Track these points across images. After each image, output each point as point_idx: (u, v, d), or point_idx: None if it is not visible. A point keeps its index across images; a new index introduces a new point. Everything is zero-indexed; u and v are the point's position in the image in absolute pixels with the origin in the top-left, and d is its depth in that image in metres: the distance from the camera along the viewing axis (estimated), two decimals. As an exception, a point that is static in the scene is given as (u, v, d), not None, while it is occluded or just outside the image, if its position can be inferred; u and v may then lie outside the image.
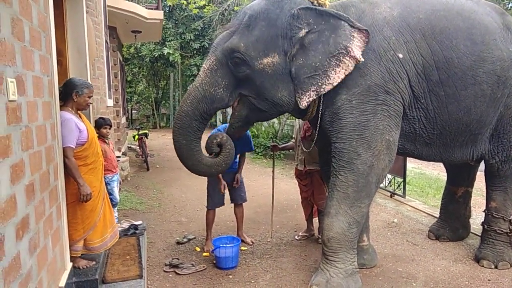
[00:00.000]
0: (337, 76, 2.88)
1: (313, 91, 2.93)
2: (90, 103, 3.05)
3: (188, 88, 3.11)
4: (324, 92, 2.94)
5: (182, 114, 3.06)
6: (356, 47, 2.86)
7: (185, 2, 11.76)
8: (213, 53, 3.05)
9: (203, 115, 3.06)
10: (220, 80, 3.00)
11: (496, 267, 3.63)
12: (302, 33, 2.89)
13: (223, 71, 3.00)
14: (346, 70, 2.88)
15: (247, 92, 3.04)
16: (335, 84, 2.90)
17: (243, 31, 2.94)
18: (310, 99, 2.95)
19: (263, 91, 2.98)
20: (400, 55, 3.02)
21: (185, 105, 3.05)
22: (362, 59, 2.85)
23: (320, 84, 2.91)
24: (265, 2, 2.98)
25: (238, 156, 4.12)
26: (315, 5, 3.01)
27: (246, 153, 4.31)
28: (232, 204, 4.33)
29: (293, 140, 4.58)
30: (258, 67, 2.91)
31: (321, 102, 3.09)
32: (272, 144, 4.65)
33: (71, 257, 2.81)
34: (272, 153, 4.81)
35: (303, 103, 2.96)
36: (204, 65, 3.08)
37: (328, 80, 2.89)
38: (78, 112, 2.96)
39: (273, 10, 2.92)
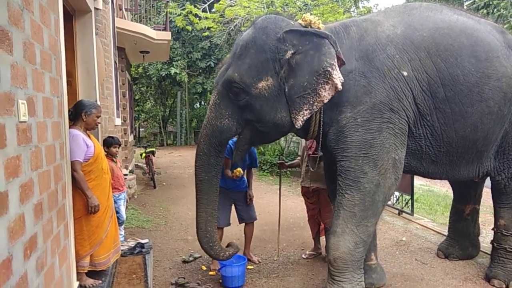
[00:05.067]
0: (327, 93, 2.90)
1: (306, 109, 2.96)
2: (99, 123, 3.14)
3: (196, 110, 3.29)
4: (316, 110, 2.97)
5: (200, 153, 3.24)
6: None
7: (190, 28, 12.00)
8: (215, 88, 3.24)
9: (217, 149, 3.21)
10: (224, 112, 3.12)
11: (507, 287, 3.55)
12: (288, 54, 2.92)
13: (225, 102, 3.12)
14: (336, 87, 2.87)
15: (250, 117, 3.12)
16: (325, 101, 2.91)
17: (236, 62, 3.06)
18: (305, 117, 2.97)
19: (264, 114, 3.05)
20: (405, 73, 3.04)
21: (201, 144, 3.25)
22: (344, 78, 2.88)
23: (311, 102, 2.93)
24: (252, 30, 3.07)
25: (245, 173, 4.15)
26: (306, 27, 3.05)
27: (253, 169, 4.35)
28: (237, 223, 4.32)
29: (299, 157, 4.58)
30: (255, 92, 2.98)
31: (321, 120, 3.11)
32: (279, 162, 4.66)
33: (78, 273, 2.83)
34: (278, 170, 4.81)
35: (298, 122, 2.99)
36: (210, 102, 3.28)
37: (318, 98, 2.91)
38: (87, 131, 3.06)
39: (260, 36, 2.99)
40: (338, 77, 2.84)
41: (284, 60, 2.93)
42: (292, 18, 3.23)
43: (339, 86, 2.85)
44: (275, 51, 2.96)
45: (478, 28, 3.28)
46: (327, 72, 2.86)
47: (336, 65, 2.87)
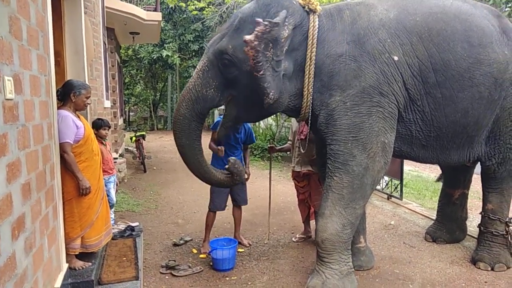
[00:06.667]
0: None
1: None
2: (88, 103, 3.09)
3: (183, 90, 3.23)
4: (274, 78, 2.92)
5: (180, 117, 3.16)
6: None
7: (184, 5, 11.79)
8: (205, 54, 3.15)
9: (199, 115, 3.17)
10: (211, 81, 3.09)
11: (492, 269, 3.63)
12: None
13: (214, 72, 3.07)
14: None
15: (237, 92, 3.10)
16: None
17: (233, 34, 3.01)
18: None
19: (251, 92, 3.01)
20: (395, 58, 3.03)
21: (181, 108, 3.15)
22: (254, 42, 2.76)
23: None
24: (254, 5, 3.03)
25: (240, 151, 4.17)
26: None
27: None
28: (230, 207, 4.32)
29: (289, 142, 4.58)
30: (246, 68, 2.94)
31: (311, 103, 3.11)
32: (269, 145, 4.65)
33: (68, 255, 2.82)
34: (269, 154, 4.82)
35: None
36: (197, 67, 3.18)
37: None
38: (76, 112, 3.02)
39: (260, 13, 2.96)
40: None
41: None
42: None
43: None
44: None
45: (472, 13, 3.26)
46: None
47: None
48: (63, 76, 3.72)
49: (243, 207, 4.35)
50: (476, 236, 4.02)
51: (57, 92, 2.80)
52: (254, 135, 4.34)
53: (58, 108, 2.79)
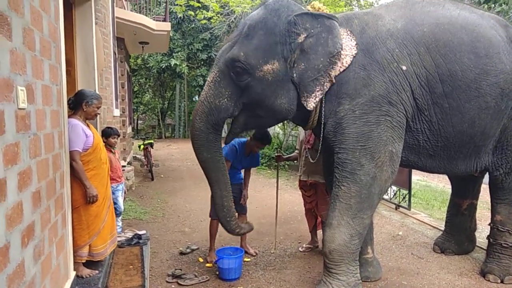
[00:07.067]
0: (334, 72, 2.98)
1: (318, 91, 2.99)
2: (98, 114, 3.14)
3: (195, 102, 3.25)
4: (327, 90, 3.01)
5: (196, 132, 3.15)
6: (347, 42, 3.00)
7: (192, 14, 11.97)
8: (216, 65, 3.14)
9: (215, 126, 3.15)
10: (223, 91, 3.06)
11: (502, 282, 3.57)
12: (300, 38, 2.94)
13: (226, 81, 3.06)
14: (341, 66, 2.99)
15: (249, 100, 3.09)
16: (333, 80, 2.99)
17: (243, 41, 3.01)
18: (317, 99, 3.00)
19: (264, 98, 3.03)
20: (404, 67, 3.04)
21: (196, 122, 3.15)
22: (355, 52, 3.00)
23: (323, 83, 2.98)
24: (263, 11, 3.04)
25: (241, 174, 4.20)
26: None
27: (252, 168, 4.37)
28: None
29: (297, 151, 4.59)
30: (259, 74, 2.96)
31: (322, 110, 3.11)
32: (276, 154, 4.66)
33: (75, 263, 2.84)
34: (276, 163, 4.82)
35: (310, 105, 3.01)
36: (208, 78, 3.17)
37: (328, 78, 2.98)
38: (86, 121, 3.06)
39: (271, 18, 2.98)
40: (347, 55, 2.99)
41: (295, 44, 2.94)
42: (301, 4, 3.21)
43: (347, 63, 2.98)
44: (285, 34, 2.96)
45: (479, 24, 3.26)
46: (340, 53, 2.95)
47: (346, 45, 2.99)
48: (73, 85, 3.78)
49: (249, 215, 4.34)
50: (485, 248, 3.97)
51: (68, 101, 2.85)
52: (260, 158, 4.34)
53: (69, 116, 2.84)
